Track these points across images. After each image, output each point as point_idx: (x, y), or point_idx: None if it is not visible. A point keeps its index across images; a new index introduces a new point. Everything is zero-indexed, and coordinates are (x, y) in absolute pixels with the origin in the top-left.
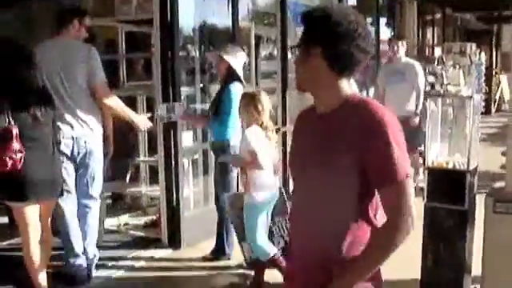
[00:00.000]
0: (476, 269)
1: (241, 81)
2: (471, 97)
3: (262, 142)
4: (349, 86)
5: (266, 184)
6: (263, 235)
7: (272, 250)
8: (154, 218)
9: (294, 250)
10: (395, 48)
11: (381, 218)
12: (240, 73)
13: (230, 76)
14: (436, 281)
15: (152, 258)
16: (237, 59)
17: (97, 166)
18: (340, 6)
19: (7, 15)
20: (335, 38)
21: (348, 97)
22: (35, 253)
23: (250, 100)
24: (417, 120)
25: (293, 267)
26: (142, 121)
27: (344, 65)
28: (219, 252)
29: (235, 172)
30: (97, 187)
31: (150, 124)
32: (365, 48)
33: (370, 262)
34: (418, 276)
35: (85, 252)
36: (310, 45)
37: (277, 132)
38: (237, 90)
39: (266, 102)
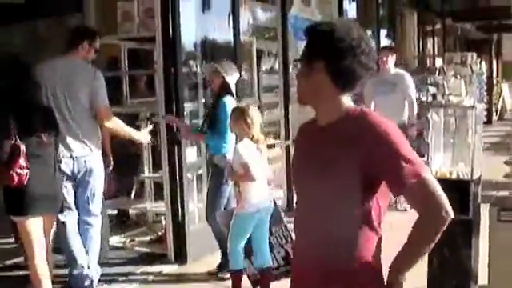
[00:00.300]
0: (482, 277)
1: (233, 95)
2: (473, 106)
3: (254, 155)
4: (348, 99)
5: (258, 196)
6: (241, 246)
7: (240, 265)
8: (160, 233)
9: (300, 261)
10: (384, 59)
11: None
12: (233, 88)
13: (224, 90)
14: None
15: (159, 274)
16: (230, 74)
17: (97, 183)
18: (343, 21)
19: (15, 33)
20: (338, 54)
21: (348, 109)
22: (40, 266)
23: (240, 114)
24: (414, 130)
25: (298, 278)
26: (142, 137)
27: (346, 80)
28: (225, 266)
29: (229, 186)
30: (97, 204)
31: (149, 138)
32: (367, 64)
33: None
34: (424, 284)
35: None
36: (313, 59)
37: (271, 148)
38: (231, 103)
39: (256, 116)
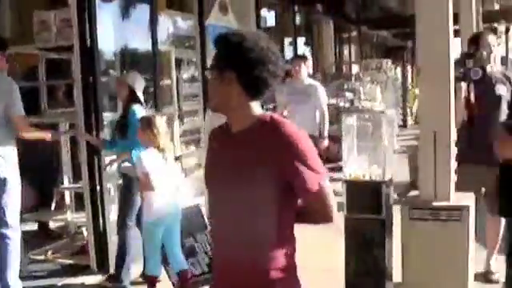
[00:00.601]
0: (398, 275)
1: (141, 103)
2: (384, 111)
3: (157, 164)
4: (259, 106)
5: (159, 205)
6: (155, 253)
7: (154, 272)
8: (82, 244)
9: (219, 265)
10: (297, 68)
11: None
12: (141, 96)
13: (132, 99)
14: None
15: (82, 285)
16: (137, 84)
17: (11, 193)
18: (251, 31)
19: None
20: (248, 64)
21: (260, 116)
22: None
23: (146, 123)
24: (325, 143)
25: (219, 281)
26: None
27: (257, 89)
28: (115, 278)
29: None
30: (14, 215)
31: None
32: (275, 72)
33: None
34: (342, 285)
35: (6, 284)
36: (223, 69)
37: (177, 160)
38: (140, 111)
39: (162, 126)
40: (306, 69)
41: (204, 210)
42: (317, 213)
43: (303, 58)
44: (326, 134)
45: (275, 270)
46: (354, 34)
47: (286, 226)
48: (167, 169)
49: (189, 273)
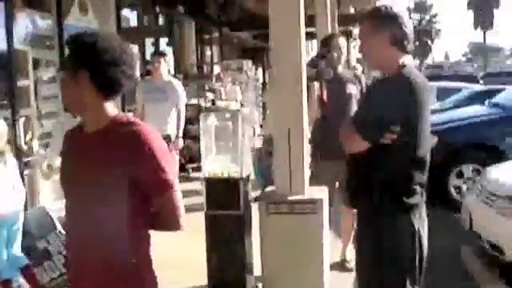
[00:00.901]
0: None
1: None
2: (239, 110)
3: None
4: (114, 107)
5: None
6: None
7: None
8: None
9: (74, 266)
10: (156, 64)
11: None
12: None
13: None
14: (221, 283)
15: None
16: None
17: None
18: (105, 33)
19: None
20: (102, 65)
21: (115, 117)
22: None
23: None
24: (180, 143)
25: (74, 283)
26: None
27: (110, 89)
28: None
29: None
30: None
31: None
32: (129, 73)
33: None
34: (205, 280)
35: None
36: (76, 69)
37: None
38: None
39: (1, 129)
40: (166, 65)
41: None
42: (166, 218)
43: (162, 54)
44: (180, 133)
45: (129, 267)
46: (216, 35)
47: (140, 225)
48: (5, 171)
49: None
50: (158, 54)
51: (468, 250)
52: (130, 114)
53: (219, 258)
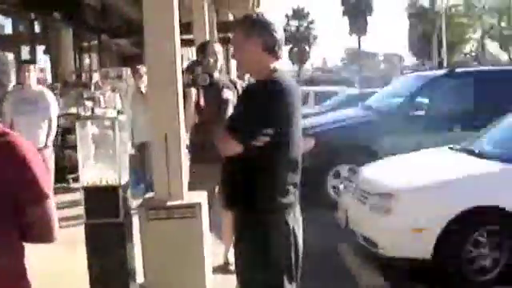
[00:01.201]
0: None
1: None
2: (116, 118)
3: None
4: None
5: None
6: None
7: None
8: None
9: None
10: (26, 74)
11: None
12: None
13: None
14: None
15: None
16: None
17: None
18: None
19: None
20: None
21: None
22: None
23: None
24: (48, 151)
25: None
26: None
27: None
28: None
29: None
30: None
31: None
32: (2, 82)
33: None
34: None
35: None
36: None
37: None
38: None
39: None
40: (35, 74)
41: None
42: (40, 230)
43: (31, 62)
44: (49, 143)
45: (3, 280)
46: (95, 42)
47: (14, 237)
48: None
49: None
50: (27, 62)
51: (345, 247)
52: (1, 125)
53: (101, 267)
